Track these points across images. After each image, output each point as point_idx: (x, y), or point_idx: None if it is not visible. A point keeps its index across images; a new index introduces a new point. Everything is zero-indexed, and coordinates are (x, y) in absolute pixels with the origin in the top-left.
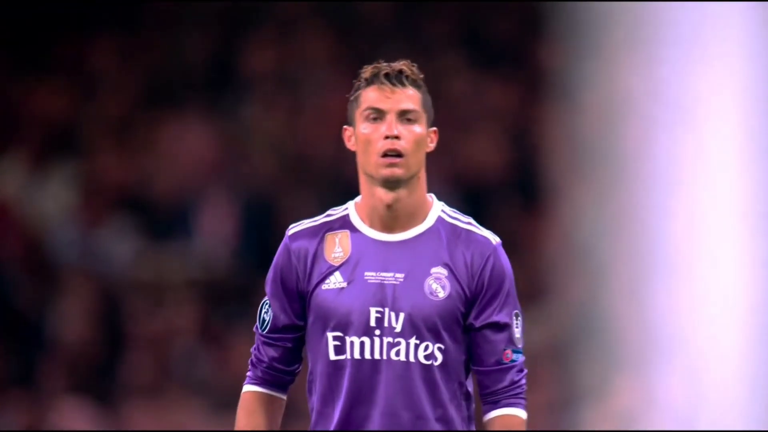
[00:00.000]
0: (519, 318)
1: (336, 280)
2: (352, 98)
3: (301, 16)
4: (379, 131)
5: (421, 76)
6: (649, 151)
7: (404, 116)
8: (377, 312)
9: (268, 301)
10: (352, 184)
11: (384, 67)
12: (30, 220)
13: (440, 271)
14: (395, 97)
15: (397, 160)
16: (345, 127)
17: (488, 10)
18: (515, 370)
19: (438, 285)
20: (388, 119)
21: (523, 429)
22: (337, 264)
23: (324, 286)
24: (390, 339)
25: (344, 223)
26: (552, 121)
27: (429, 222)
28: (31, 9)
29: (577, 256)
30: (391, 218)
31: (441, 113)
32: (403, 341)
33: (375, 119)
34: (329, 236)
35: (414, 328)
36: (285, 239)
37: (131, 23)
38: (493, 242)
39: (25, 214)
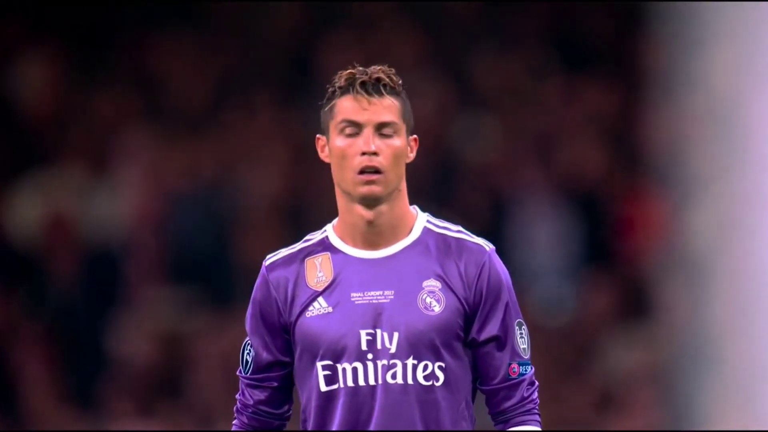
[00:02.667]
0: (523, 327)
1: (320, 306)
2: (325, 107)
3: (384, 14)
4: (356, 146)
5: (400, 81)
6: (762, 154)
7: (382, 129)
8: (368, 334)
9: (248, 341)
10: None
11: (360, 74)
12: (88, 232)
13: (433, 284)
14: (372, 109)
15: (375, 177)
16: (318, 136)
17: (583, 6)
18: (525, 384)
19: (432, 299)
20: (365, 133)
21: None
22: (320, 289)
23: (308, 314)
24: (385, 361)
25: (324, 245)
26: (655, 125)
27: (414, 234)
28: (90, 10)
29: (683, 269)
30: (374, 234)
31: (534, 116)
32: (399, 363)
33: (351, 133)
34: (309, 261)
35: (410, 348)
36: (262, 270)
37: (200, 23)
38: (487, 249)
39: (83, 225)
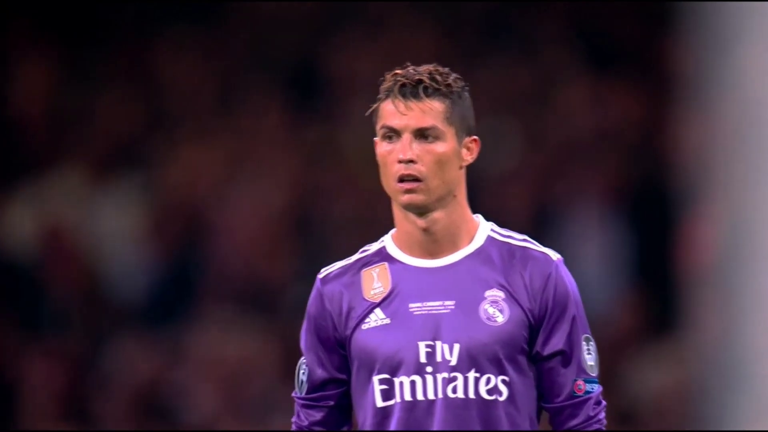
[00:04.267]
0: (591, 343)
1: (377, 318)
2: (374, 111)
3: (397, 14)
4: (395, 153)
5: (449, 81)
6: None
7: (422, 135)
8: (427, 346)
9: (303, 360)
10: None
11: (402, 76)
12: (88, 246)
13: (496, 293)
14: (411, 114)
15: (415, 185)
16: (375, 139)
17: (607, 6)
18: (591, 402)
19: (495, 309)
20: (403, 139)
21: None
22: (377, 300)
23: (364, 326)
24: (445, 374)
25: (382, 255)
26: (684, 131)
27: (477, 243)
28: (90, 8)
29: (715, 284)
30: (431, 242)
31: (553, 121)
32: (460, 376)
33: (391, 138)
34: (366, 272)
35: (472, 360)
36: (316, 284)
37: (204, 22)
38: (554, 259)
39: (82, 238)
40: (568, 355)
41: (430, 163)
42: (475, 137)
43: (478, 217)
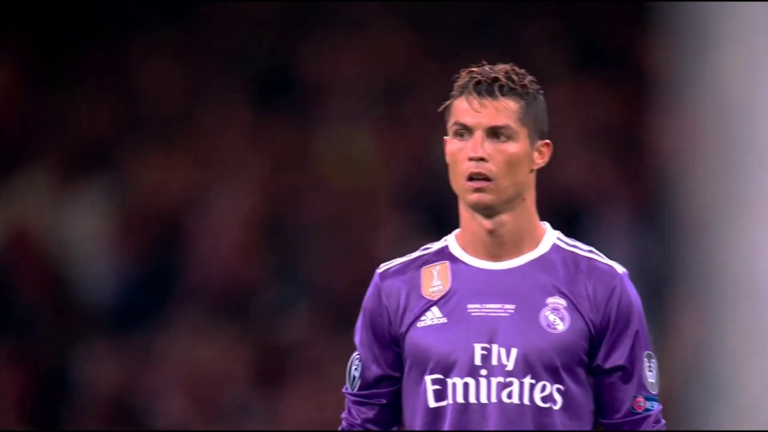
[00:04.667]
0: (652, 360)
1: (434, 316)
2: (446, 108)
3: (375, 14)
4: (465, 150)
5: (525, 82)
6: None
7: (494, 133)
8: (483, 348)
9: (357, 355)
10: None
11: (477, 74)
12: (54, 249)
13: (558, 301)
14: (485, 112)
15: (484, 184)
16: (445, 138)
17: (589, 7)
18: (650, 420)
19: (556, 316)
20: (475, 137)
21: None
22: (435, 298)
23: (420, 324)
24: (500, 378)
25: (444, 254)
26: (665, 130)
27: (542, 249)
28: (59, 7)
29: (696, 286)
30: (496, 245)
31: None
32: (515, 381)
33: (462, 136)
34: (426, 269)
35: (528, 366)
36: (374, 279)
37: (176, 22)
38: (619, 272)
39: (48, 242)
40: (629, 371)
41: (501, 162)
42: (547, 141)
43: (545, 225)
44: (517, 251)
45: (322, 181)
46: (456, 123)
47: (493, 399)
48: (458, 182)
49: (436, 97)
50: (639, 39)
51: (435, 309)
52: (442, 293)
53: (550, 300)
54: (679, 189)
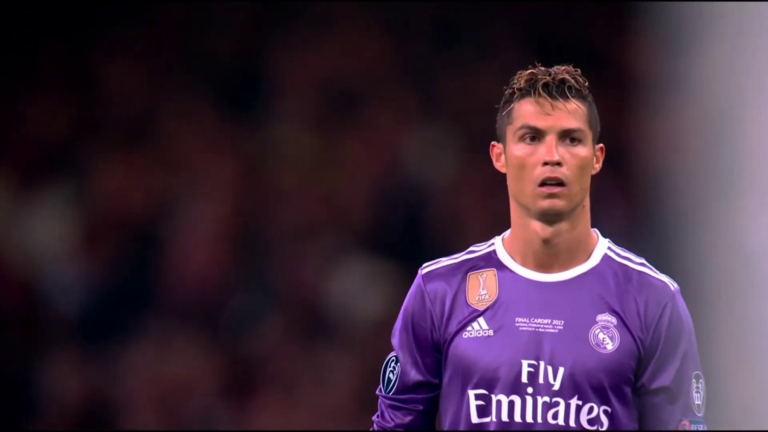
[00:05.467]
0: (701, 381)
1: (480, 327)
2: (502, 111)
3: (343, 14)
4: (537, 155)
5: (587, 83)
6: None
7: (567, 137)
8: (530, 365)
9: (394, 356)
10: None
11: (543, 74)
12: (18, 258)
13: (608, 318)
14: (557, 114)
15: (558, 189)
16: (493, 143)
17: (566, 7)
18: None
19: (606, 335)
20: (548, 141)
21: None
22: (481, 308)
23: (465, 335)
24: (546, 398)
25: (490, 260)
26: (649, 133)
27: (594, 260)
28: (15, 7)
29: (685, 289)
30: (549, 255)
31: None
32: (562, 402)
33: (532, 139)
34: (472, 276)
35: (576, 387)
36: (418, 279)
37: (138, 22)
38: (672, 288)
39: (10, 250)
40: (675, 393)
41: (575, 167)
42: (602, 146)
43: (596, 232)
44: (570, 262)
45: (294, 186)
46: (525, 126)
47: (539, 419)
48: (527, 187)
49: (407, 97)
50: (621, 39)
51: (481, 320)
52: (489, 303)
53: (600, 317)
54: (666, 191)
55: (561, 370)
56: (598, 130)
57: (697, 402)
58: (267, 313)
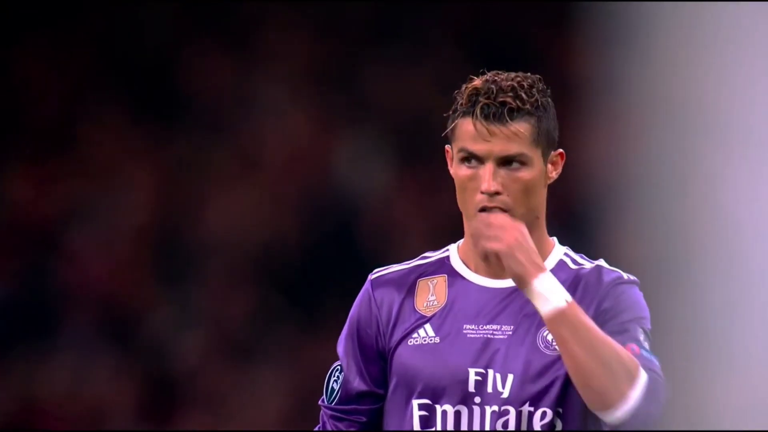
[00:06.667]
0: (645, 335)
1: (426, 334)
2: (450, 122)
3: (267, 15)
4: (477, 180)
5: (534, 96)
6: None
7: (507, 162)
8: (478, 374)
9: (339, 365)
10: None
11: (484, 93)
12: None
13: None
14: (494, 141)
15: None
16: (446, 147)
17: (504, 6)
18: (642, 359)
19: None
20: (486, 168)
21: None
22: (429, 315)
23: (410, 342)
24: (495, 407)
25: (443, 266)
26: (592, 140)
27: (547, 266)
28: None
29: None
30: (500, 264)
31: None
32: (512, 410)
33: (470, 162)
34: (422, 282)
35: (526, 393)
36: (366, 285)
37: (53, 24)
38: (625, 276)
39: None
40: (620, 334)
41: (517, 192)
42: (561, 151)
43: (554, 240)
44: None
45: (217, 195)
46: (463, 149)
47: (488, 429)
48: (469, 210)
49: (335, 103)
50: (560, 39)
51: (428, 327)
52: (437, 309)
53: None
54: (610, 201)
55: (510, 377)
56: (555, 137)
57: (646, 345)
58: (190, 328)
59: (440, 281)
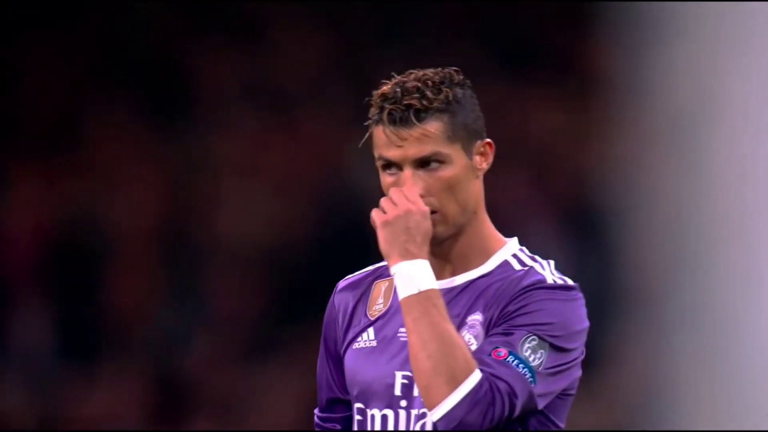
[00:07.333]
0: (533, 342)
1: (367, 338)
2: (368, 135)
3: (278, 14)
4: (399, 186)
5: (442, 93)
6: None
7: (424, 163)
8: (404, 377)
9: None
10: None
11: (390, 98)
12: None
13: (476, 318)
14: (406, 145)
15: (431, 218)
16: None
17: (520, 3)
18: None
19: (471, 335)
20: (405, 174)
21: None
22: (373, 318)
23: (355, 345)
24: (417, 410)
25: None
26: (609, 139)
27: (489, 266)
28: None
29: (640, 313)
30: (439, 263)
31: None
32: None
33: (390, 168)
34: (377, 284)
35: None
36: (333, 291)
37: (58, 21)
38: (549, 281)
39: None
40: (500, 335)
41: (441, 191)
42: (487, 141)
43: (509, 240)
44: (460, 269)
45: (225, 194)
46: (380, 157)
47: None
48: None
49: (345, 101)
50: (579, 38)
51: (371, 330)
52: (381, 313)
53: (469, 318)
54: (625, 200)
55: None
56: (477, 127)
57: (525, 353)
58: (198, 330)
59: (389, 284)
